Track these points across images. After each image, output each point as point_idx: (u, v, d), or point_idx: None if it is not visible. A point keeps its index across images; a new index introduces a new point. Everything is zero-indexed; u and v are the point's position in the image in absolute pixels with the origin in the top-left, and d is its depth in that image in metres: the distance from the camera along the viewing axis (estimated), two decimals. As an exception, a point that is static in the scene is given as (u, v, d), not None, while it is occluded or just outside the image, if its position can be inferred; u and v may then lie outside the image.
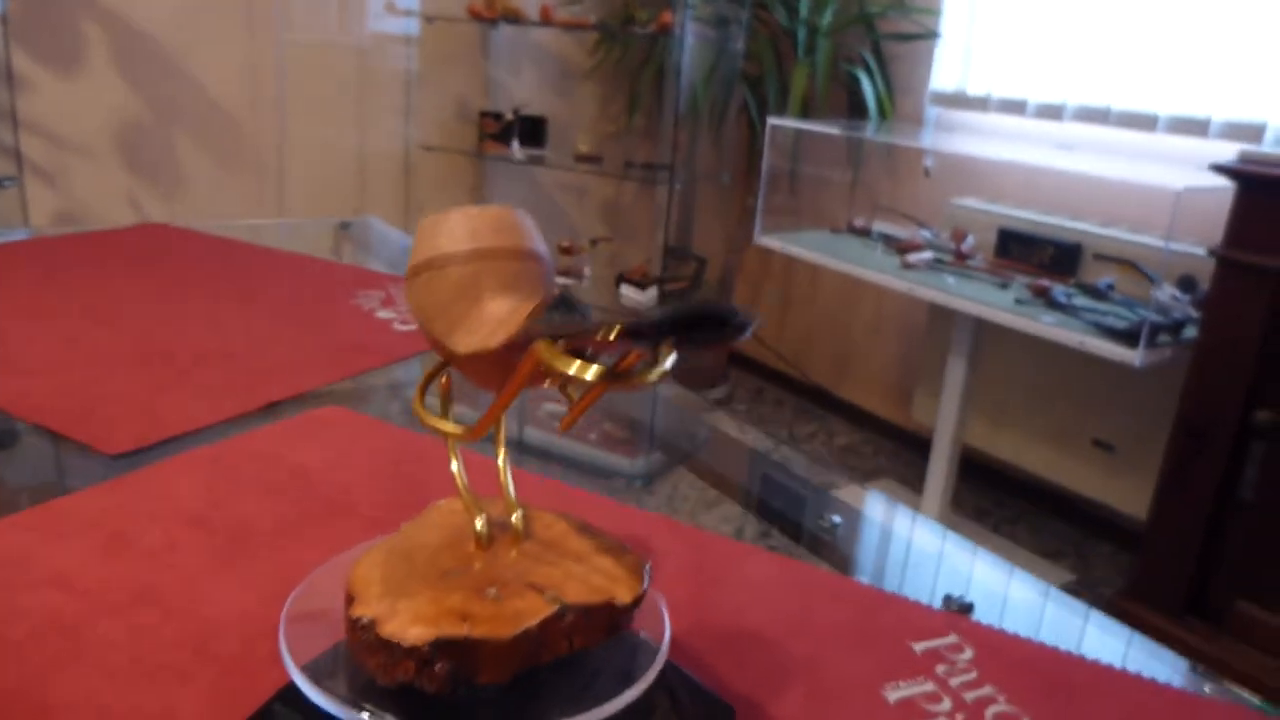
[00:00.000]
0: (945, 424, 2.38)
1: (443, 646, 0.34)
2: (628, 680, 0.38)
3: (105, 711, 0.43)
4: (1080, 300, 2.07)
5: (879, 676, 0.49)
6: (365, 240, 1.44)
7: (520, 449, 0.85)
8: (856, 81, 2.79)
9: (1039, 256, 2.29)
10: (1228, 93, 2.12)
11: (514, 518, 0.40)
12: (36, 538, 0.57)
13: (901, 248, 2.42)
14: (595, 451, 0.94)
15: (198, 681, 0.46)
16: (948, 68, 2.73)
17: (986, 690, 0.48)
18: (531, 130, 2.95)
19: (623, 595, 0.36)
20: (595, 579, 0.37)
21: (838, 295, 3.17)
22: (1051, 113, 2.45)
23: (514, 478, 0.42)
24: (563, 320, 0.33)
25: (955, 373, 2.34)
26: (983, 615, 0.55)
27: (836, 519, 0.65)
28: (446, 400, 0.43)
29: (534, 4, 2.90)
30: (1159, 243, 2.05)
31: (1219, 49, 2.12)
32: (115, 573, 0.54)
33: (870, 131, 2.75)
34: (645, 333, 0.30)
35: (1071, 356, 1.92)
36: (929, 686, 0.48)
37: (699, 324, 0.29)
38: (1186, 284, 2.05)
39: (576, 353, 0.33)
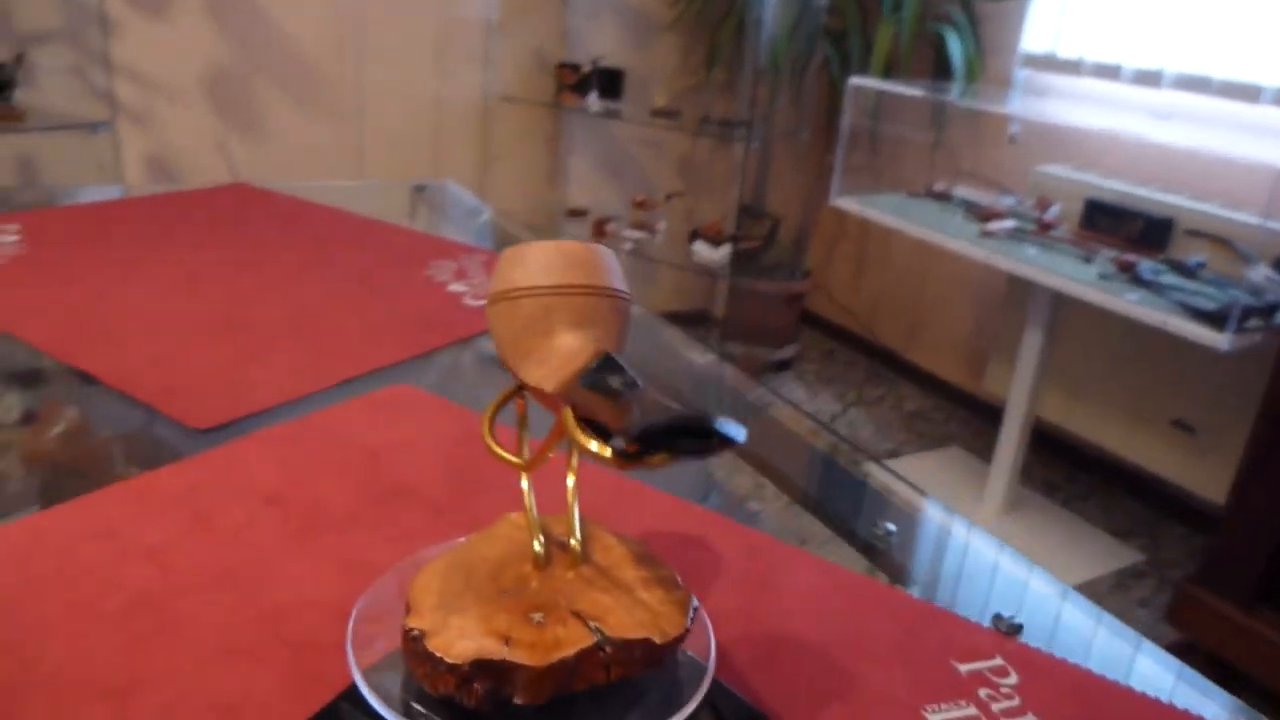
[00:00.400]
0: (1019, 395, 2.34)
1: (481, 667, 0.36)
2: (671, 702, 0.39)
3: (189, 689, 0.46)
4: (1168, 278, 2.01)
5: (921, 697, 0.49)
6: (440, 204, 1.47)
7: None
8: (943, 40, 2.70)
9: (1127, 230, 2.22)
10: (1342, 63, 2.00)
11: (572, 542, 0.41)
12: (130, 512, 0.60)
13: (982, 215, 2.37)
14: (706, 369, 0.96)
15: (272, 664, 0.49)
16: (1039, 28, 2.63)
17: (1029, 719, 0.48)
18: (609, 82, 2.93)
19: (664, 634, 0.38)
20: (640, 613, 0.38)
21: (913, 258, 3.11)
22: (1148, 79, 2.35)
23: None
24: (607, 381, 0.33)
25: (1032, 344, 2.29)
26: (1032, 634, 0.56)
27: (891, 527, 0.66)
28: (522, 423, 0.44)
29: (616, -47, 2.86)
30: (1257, 220, 1.97)
31: (1335, 15, 2.01)
32: (199, 551, 0.57)
33: (956, 94, 2.67)
34: (631, 439, 0.31)
35: (1155, 334, 1.86)
36: (970, 710, 0.49)
37: (683, 434, 0.30)
38: (1283, 265, 1.97)
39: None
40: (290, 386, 0.79)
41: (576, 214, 3.10)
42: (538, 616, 0.38)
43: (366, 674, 0.41)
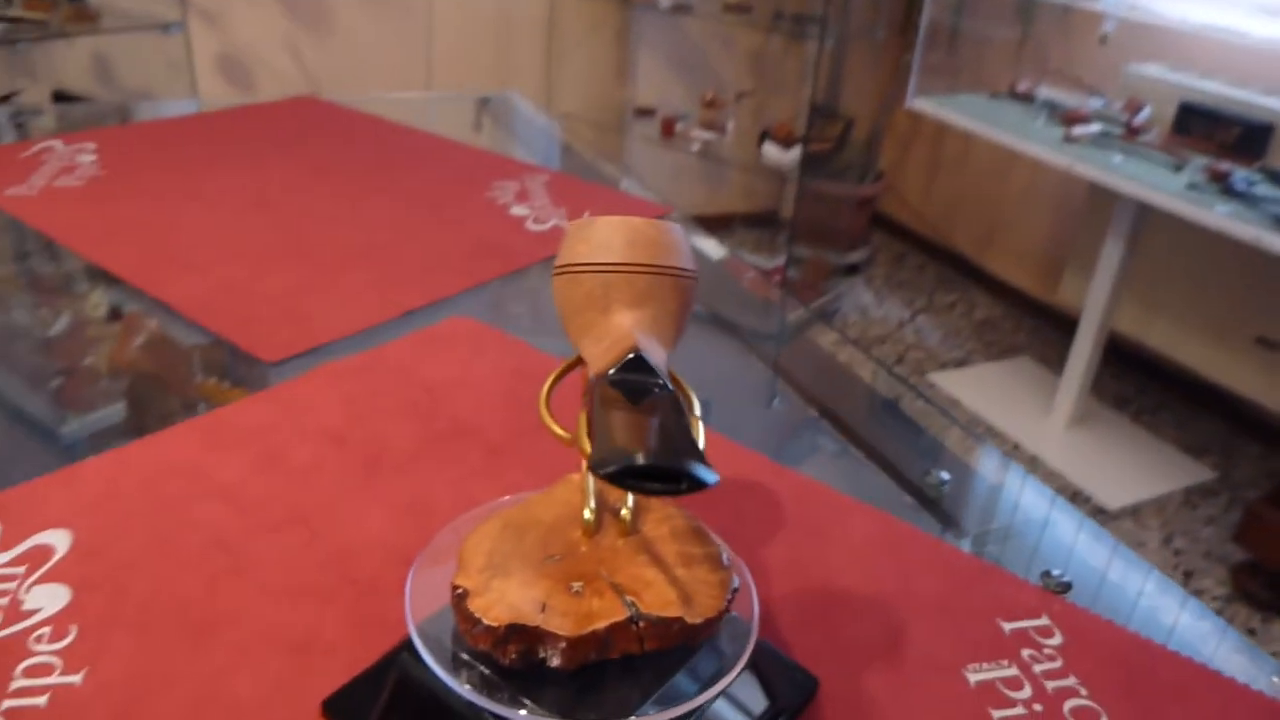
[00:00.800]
0: (1094, 306, 2.28)
1: (516, 631, 0.38)
2: (716, 666, 0.40)
3: (261, 627, 0.49)
4: (1263, 189, 1.91)
5: (963, 655, 0.50)
6: (505, 118, 1.46)
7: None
8: (1035, -73, 2.54)
9: (1222, 136, 2.10)
10: None
11: (623, 512, 0.42)
12: (204, 448, 0.63)
13: (1067, 118, 2.26)
14: (733, 308, 0.97)
15: (338, 603, 0.51)
16: (1142, -87, 2.44)
17: (1069, 681, 0.49)
18: (679, -25, 2.83)
19: (698, 614, 0.38)
20: (678, 590, 0.39)
21: (991, 162, 3.00)
22: (1258, -31, 2.19)
23: None
24: (630, 384, 0.34)
25: (1111, 254, 2.21)
26: (1080, 591, 0.56)
27: (945, 475, 0.66)
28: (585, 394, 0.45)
29: None
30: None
31: None
32: (269, 489, 0.60)
33: (1045, -13, 2.52)
34: (597, 474, 0.31)
35: (1244, 248, 1.79)
36: (1011, 671, 0.49)
37: (651, 476, 0.31)
38: (1389, 176, 1.86)
39: None
40: (354, 318, 0.81)
41: (644, 113, 3.04)
42: (577, 586, 0.39)
43: (422, 626, 0.43)
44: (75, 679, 0.46)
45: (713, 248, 3.26)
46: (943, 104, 2.42)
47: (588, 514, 0.43)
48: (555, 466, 0.55)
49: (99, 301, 0.89)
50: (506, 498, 0.51)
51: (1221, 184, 1.92)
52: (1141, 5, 2.38)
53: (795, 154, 2.86)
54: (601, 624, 0.37)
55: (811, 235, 3.08)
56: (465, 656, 0.41)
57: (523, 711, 0.37)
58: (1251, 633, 1.82)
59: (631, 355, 0.34)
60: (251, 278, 0.86)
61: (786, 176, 3.02)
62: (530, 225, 1.00)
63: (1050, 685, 0.49)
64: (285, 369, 0.74)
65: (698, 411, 0.40)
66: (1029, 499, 0.66)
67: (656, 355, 0.36)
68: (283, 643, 0.49)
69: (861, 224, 3.17)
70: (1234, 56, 2.25)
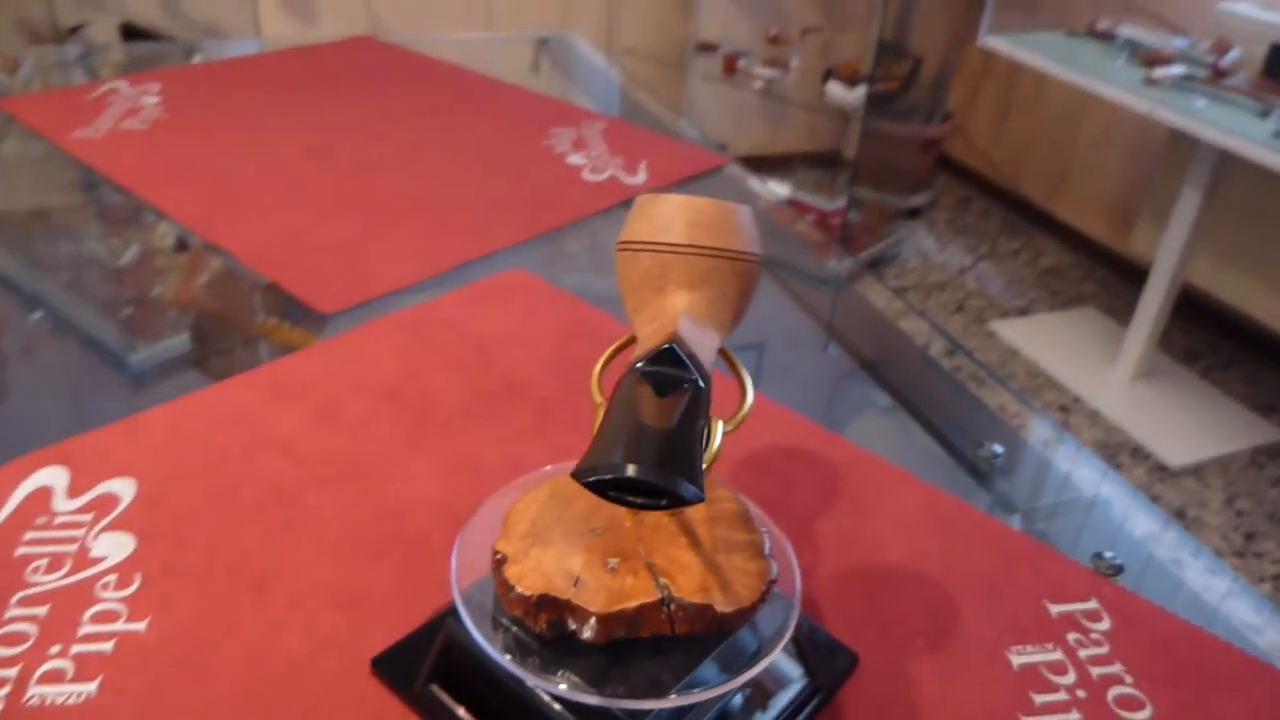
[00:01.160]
0: (1167, 256, 2.20)
1: (547, 602, 0.38)
2: (756, 643, 0.40)
3: (315, 582, 0.51)
4: (1354, 139, 1.81)
5: (1008, 637, 0.50)
6: (564, 59, 1.43)
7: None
8: None
9: (1314, 81, 1.99)
10: None
11: None
12: (262, 399, 0.65)
13: (1148, 59, 2.17)
14: (790, 252, 0.96)
15: (390, 562, 0.53)
16: None
17: (1115, 668, 0.48)
18: (746, -95, 2.74)
19: (730, 603, 0.38)
20: (713, 577, 0.39)
21: (1065, 104, 2.89)
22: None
23: None
24: (660, 375, 0.33)
25: (1188, 203, 2.13)
26: (1132, 574, 0.55)
27: (998, 449, 0.64)
28: None
29: None
30: None
31: None
32: (325, 443, 0.61)
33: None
34: (580, 481, 0.31)
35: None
36: (1056, 655, 0.49)
37: (634, 490, 0.30)
38: None
39: None
40: (410, 270, 0.81)
41: (706, 48, 2.98)
42: (613, 562, 0.40)
43: (469, 590, 0.44)
44: (140, 626, 0.48)
45: (773, 188, 3.22)
46: (1017, 42, 2.33)
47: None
48: (603, 432, 0.55)
49: (166, 232, 0.90)
50: (561, 465, 0.52)
51: (1311, 133, 1.83)
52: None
53: (860, 93, 2.79)
54: (631, 604, 0.38)
55: (874, 177, 3.01)
56: (505, 622, 0.41)
57: (560, 684, 0.38)
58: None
59: (665, 347, 0.33)
60: (309, 226, 0.87)
61: (850, 116, 2.94)
62: (587, 175, 0.99)
63: (1095, 671, 0.48)
64: (340, 317, 0.75)
65: (749, 396, 0.39)
66: (1084, 474, 0.65)
67: (702, 344, 0.36)
68: (335, 598, 0.50)
69: (926, 166, 3.08)
70: (1333, -4, 2.12)
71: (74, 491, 0.56)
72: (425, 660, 0.45)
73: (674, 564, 0.39)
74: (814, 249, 1.02)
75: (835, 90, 2.85)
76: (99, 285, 0.87)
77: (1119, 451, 2.13)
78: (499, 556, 0.41)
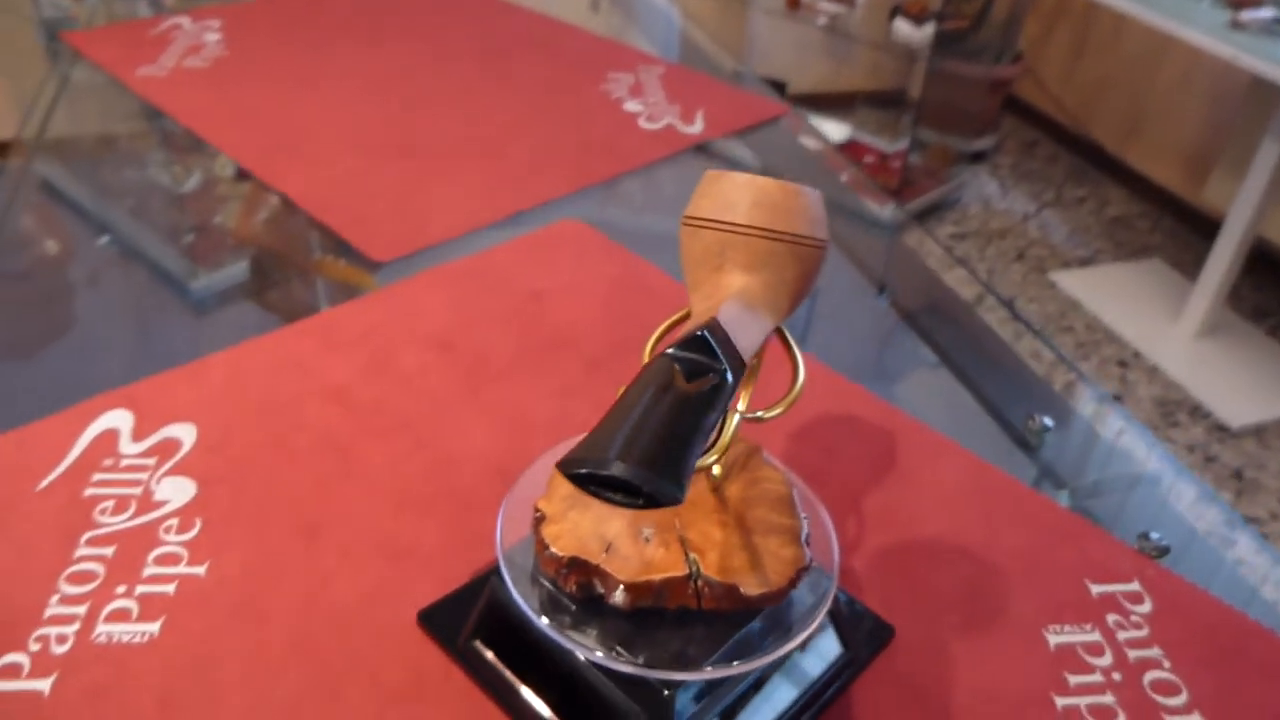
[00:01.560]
0: (1242, 209, 2.13)
1: (577, 565, 0.39)
2: (792, 618, 0.41)
3: (365, 533, 0.53)
4: None
5: (1045, 615, 0.50)
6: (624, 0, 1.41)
7: (785, 172, 0.87)
8: None
9: None
10: None
11: (715, 468, 0.42)
12: (317, 348, 0.66)
13: (1235, 1, 2.07)
14: (847, 194, 0.95)
15: (438, 514, 0.54)
16: None
17: (1153, 652, 0.48)
18: None
19: (756, 586, 0.38)
20: (743, 558, 0.39)
21: (1143, 46, 2.77)
22: None
23: None
24: (690, 362, 0.33)
25: (1268, 154, 2.05)
26: (1178, 556, 0.54)
27: (1048, 422, 0.64)
28: None
29: None
30: None
31: None
32: (378, 393, 0.62)
33: None
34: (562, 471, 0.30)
35: None
36: (1094, 636, 0.49)
37: (616, 488, 0.29)
38: None
39: None
40: (463, 218, 0.82)
41: (770, -19, 2.90)
42: (647, 532, 0.40)
43: (512, 549, 0.45)
44: (199, 570, 0.50)
45: (833, 128, 3.13)
46: (1096, -19, 2.23)
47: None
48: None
49: (227, 162, 0.92)
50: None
51: (1405, 85, 1.74)
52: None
53: (928, 31, 2.70)
54: (658, 576, 0.38)
55: (938, 119, 2.93)
56: (544, 582, 0.42)
57: (596, 650, 0.38)
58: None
59: (698, 333, 0.33)
60: (365, 171, 0.88)
61: (917, 55, 2.85)
62: (643, 123, 0.98)
63: (1133, 655, 0.48)
64: (392, 264, 0.76)
65: (799, 379, 0.39)
66: (1135, 451, 0.64)
67: (747, 329, 0.35)
68: (384, 550, 0.52)
69: (993, 108, 2.99)
70: None
71: (138, 435, 0.58)
72: (470, 616, 0.47)
73: (707, 540, 0.40)
74: (868, 194, 1.01)
75: (902, 27, 2.77)
76: (163, 212, 0.89)
77: (1177, 410, 2.09)
78: (539, 514, 0.42)
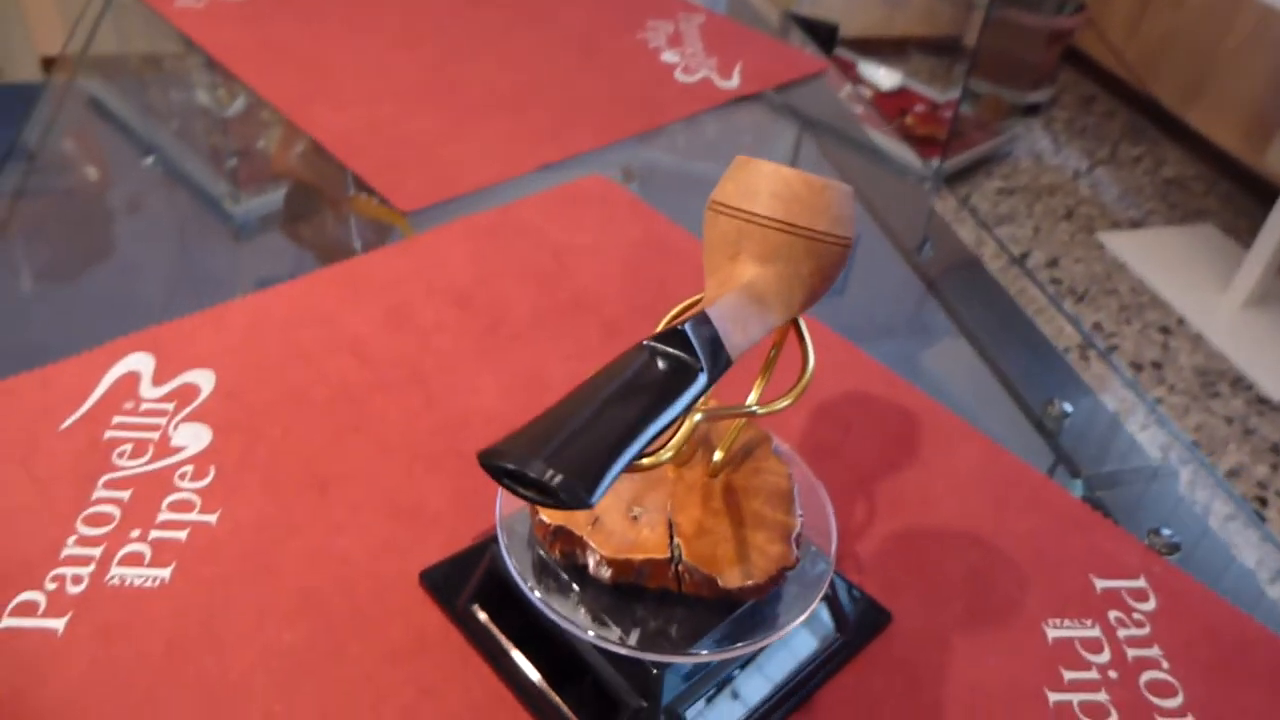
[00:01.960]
0: (1303, 178, 2.06)
1: (562, 534, 0.40)
2: (787, 601, 0.41)
3: (374, 489, 0.53)
4: None
5: (1046, 608, 0.50)
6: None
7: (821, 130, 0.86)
8: None
9: None
10: None
11: (716, 456, 0.42)
12: (338, 298, 0.67)
13: (1313, -42, 1.97)
14: (893, 144, 0.94)
15: (445, 474, 0.55)
16: None
17: (1153, 651, 0.48)
18: None
19: (733, 580, 0.38)
20: (727, 549, 0.39)
21: (1214, 1, 2.66)
22: None
23: None
24: (670, 356, 0.32)
25: (1335, 122, 1.97)
26: (1189, 555, 0.54)
27: (1068, 408, 0.63)
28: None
29: None
30: None
31: None
32: (394, 347, 0.63)
33: None
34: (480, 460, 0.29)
35: None
36: (1092, 632, 0.49)
37: (526, 484, 0.28)
38: None
39: None
40: (491, 169, 0.81)
41: (826, -82, 2.81)
42: (637, 510, 0.40)
43: (513, 516, 0.45)
44: (211, 519, 0.51)
45: (884, 75, 3.05)
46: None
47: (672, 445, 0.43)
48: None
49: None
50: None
51: None
52: None
53: (987, -23, 2.61)
54: (639, 556, 0.38)
55: (993, 68, 2.84)
56: (540, 551, 0.43)
57: (587, 629, 0.39)
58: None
59: (680, 327, 0.32)
60: (394, 116, 0.87)
61: (974, 1, 2.76)
62: (679, 75, 0.96)
63: (1131, 653, 0.48)
64: (419, 213, 0.76)
65: (805, 377, 0.39)
66: (1155, 442, 0.63)
67: (745, 324, 0.35)
68: (391, 507, 0.52)
69: (1051, 60, 2.90)
70: None
71: (159, 379, 0.59)
72: (470, 580, 0.47)
73: (695, 526, 0.40)
74: (909, 150, 0.98)
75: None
76: (208, 135, 0.90)
77: (1218, 380, 2.05)
78: None
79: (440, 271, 0.70)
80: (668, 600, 0.40)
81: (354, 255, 0.72)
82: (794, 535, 0.40)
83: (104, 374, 0.59)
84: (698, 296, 0.42)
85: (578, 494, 0.27)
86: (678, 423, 0.33)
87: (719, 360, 0.33)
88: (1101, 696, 0.46)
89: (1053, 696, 0.46)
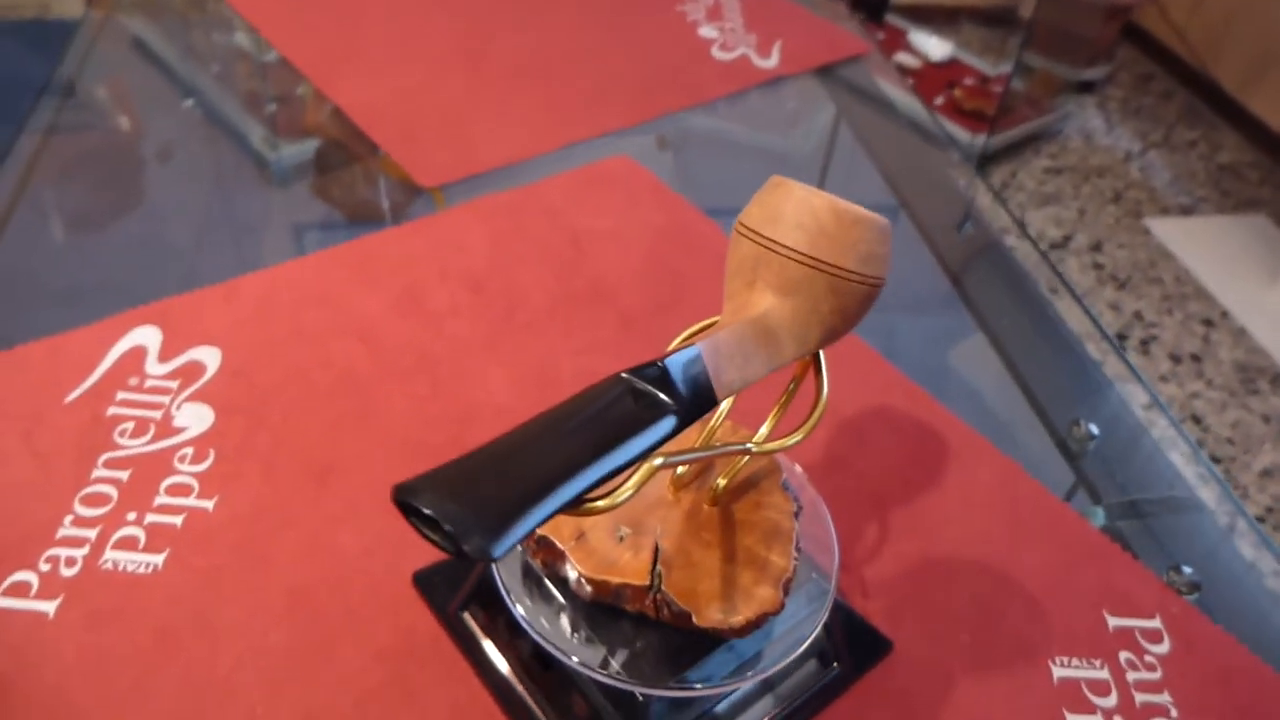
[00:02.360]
0: (1363, 174, 1.98)
1: (545, 544, 0.38)
2: (786, 627, 0.40)
3: (372, 482, 0.52)
4: None
5: (1055, 645, 0.48)
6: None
7: (864, 104, 0.86)
8: None
9: None
10: None
11: (719, 482, 0.40)
12: (350, 279, 0.65)
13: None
14: (936, 123, 0.91)
15: (449, 467, 0.54)
16: None
17: (1162, 698, 0.46)
18: None
19: (709, 619, 0.36)
20: (710, 585, 0.37)
21: (1287, -21, 2.55)
22: None
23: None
24: (646, 394, 0.30)
25: (1402, 117, 1.89)
26: (1210, 594, 0.52)
27: (1094, 429, 0.60)
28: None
29: None
30: None
31: None
32: (403, 332, 0.62)
33: None
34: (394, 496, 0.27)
35: None
36: (1100, 673, 0.47)
37: (429, 525, 0.25)
38: None
39: None
40: (515, 146, 0.79)
41: (884, -122, 2.72)
42: (624, 531, 0.39)
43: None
44: (208, 504, 0.50)
45: (935, 45, 2.97)
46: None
47: (680, 470, 0.41)
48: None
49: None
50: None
51: None
52: None
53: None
54: (616, 579, 0.37)
55: (1047, 42, 2.76)
56: (534, 565, 0.42)
57: (573, 655, 0.38)
58: None
59: (659, 364, 0.30)
60: (419, 87, 0.85)
61: (1033, -29, 2.67)
62: (716, 52, 0.93)
63: (1140, 698, 0.46)
64: (441, 188, 0.75)
65: (814, 417, 0.37)
66: (1184, 474, 0.61)
67: (744, 362, 0.33)
68: (389, 503, 0.51)
69: (1109, 36, 2.80)
70: None
71: (165, 355, 0.58)
72: (462, 585, 0.46)
73: (682, 556, 0.38)
74: (958, 121, 0.95)
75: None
76: (248, 81, 0.90)
77: (1259, 377, 2.00)
78: None
79: (456, 253, 0.68)
80: (666, 627, 0.38)
81: (382, 215, 0.71)
82: (784, 580, 0.38)
83: (111, 347, 0.58)
84: (715, 319, 0.40)
85: (477, 544, 0.24)
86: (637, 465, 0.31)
87: (699, 401, 0.31)
88: (1105, 743, 0.44)
89: (1054, 740, 0.44)
